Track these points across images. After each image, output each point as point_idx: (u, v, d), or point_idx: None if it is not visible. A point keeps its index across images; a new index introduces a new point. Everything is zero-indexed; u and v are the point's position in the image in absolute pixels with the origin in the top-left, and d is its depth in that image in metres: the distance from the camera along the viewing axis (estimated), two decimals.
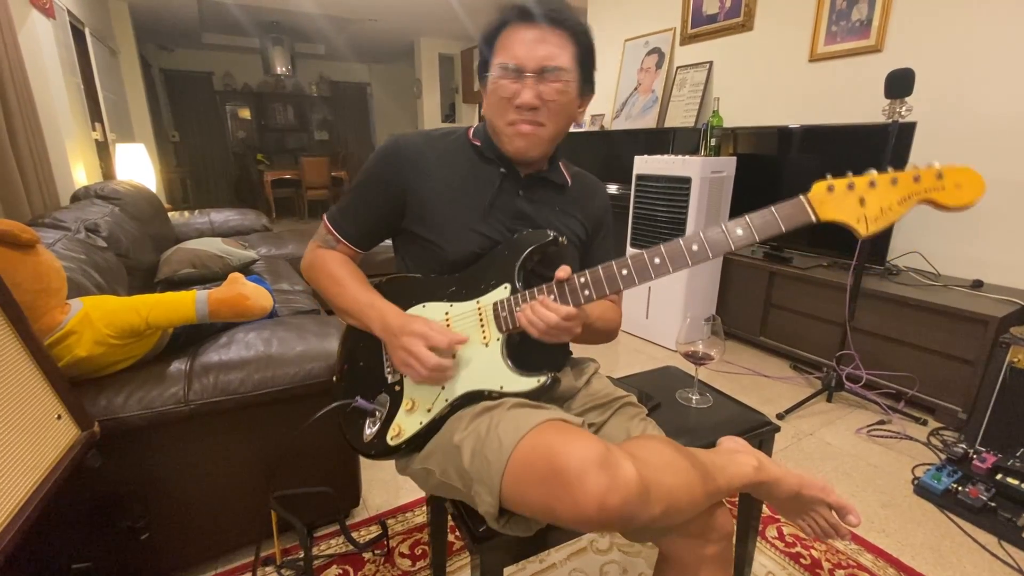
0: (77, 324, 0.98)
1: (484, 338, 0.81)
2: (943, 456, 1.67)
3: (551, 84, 0.80)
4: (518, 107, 0.80)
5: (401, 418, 0.83)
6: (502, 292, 0.82)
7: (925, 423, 1.90)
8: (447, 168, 0.89)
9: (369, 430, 0.85)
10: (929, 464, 1.63)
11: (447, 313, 0.85)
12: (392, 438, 0.82)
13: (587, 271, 0.77)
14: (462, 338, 0.80)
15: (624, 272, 0.75)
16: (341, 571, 1.23)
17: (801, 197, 0.68)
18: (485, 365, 0.80)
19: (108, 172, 3.63)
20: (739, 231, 0.70)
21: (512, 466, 0.65)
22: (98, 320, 1.00)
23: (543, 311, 0.74)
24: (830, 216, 0.67)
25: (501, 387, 0.78)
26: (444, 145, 0.91)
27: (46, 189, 2.10)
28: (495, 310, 0.81)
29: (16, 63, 1.99)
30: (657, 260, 0.73)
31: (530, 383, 0.77)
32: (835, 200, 0.67)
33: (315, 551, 1.28)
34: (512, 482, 0.65)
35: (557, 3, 0.80)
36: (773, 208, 0.69)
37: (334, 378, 0.96)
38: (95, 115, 3.61)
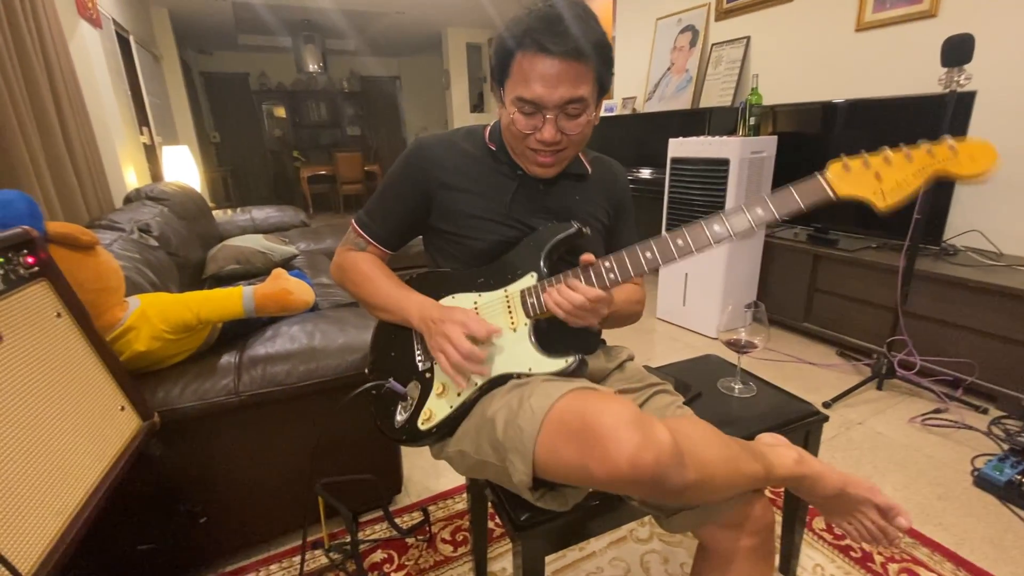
0: (135, 320, 1.03)
1: (512, 324, 0.83)
2: (1005, 446, 1.58)
3: (574, 120, 0.80)
4: (538, 140, 0.81)
5: (432, 402, 0.85)
6: (528, 280, 0.84)
7: (985, 411, 1.79)
8: (468, 165, 0.91)
9: (400, 416, 0.87)
10: (990, 455, 1.55)
11: (475, 303, 0.87)
12: (423, 422, 0.84)
13: (611, 255, 0.79)
14: (497, 329, 0.81)
15: (648, 255, 0.77)
16: (386, 555, 1.27)
17: (818, 175, 0.71)
18: (513, 349, 0.82)
19: (156, 174, 3.80)
20: (759, 210, 0.72)
21: (546, 426, 0.66)
22: (154, 316, 1.05)
23: (568, 292, 0.76)
24: (848, 192, 0.70)
25: (530, 369, 0.79)
26: (464, 145, 0.93)
27: (101, 192, 2.22)
28: (522, 297, 0.83)
29: (68, 72, 2.10)
30: (680, 241, 0.75)
31: (558, 364, 0.78)
32: (852, 177, 0.70)
33: (360, 536, 1.33)
34: (546, 443, 0.66)
35: (578, 31, 0.75)
36: (791, 186, 0.71)
37: (366, 370, 0.98)
38: (142, 119, 3.77)
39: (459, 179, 0.91)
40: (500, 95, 0.85)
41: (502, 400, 0.75)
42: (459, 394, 0.83)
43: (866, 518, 0.79)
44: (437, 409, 0.84)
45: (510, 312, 0.84)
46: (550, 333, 0.83)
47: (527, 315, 0.82)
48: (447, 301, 0.89)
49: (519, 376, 0.79)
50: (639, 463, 0.59)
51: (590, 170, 0.98)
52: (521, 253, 0.87)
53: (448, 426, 0.83)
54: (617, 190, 1.01)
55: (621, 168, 1.05)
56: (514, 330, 0.83)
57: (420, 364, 0.89)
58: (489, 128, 0.95)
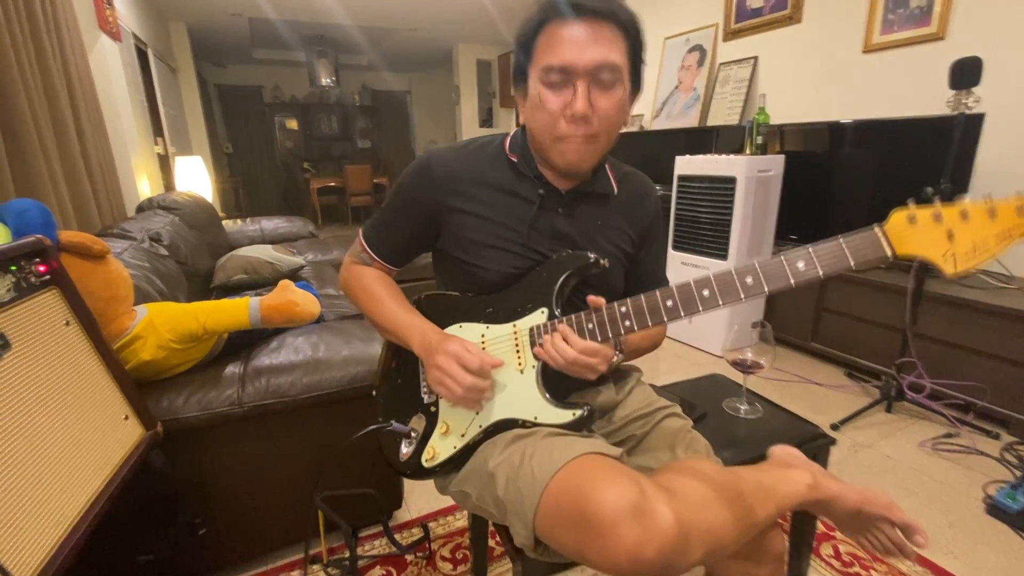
0: (142, 329, 1.04)
1: (519, 364, 0.79)
2: (1019, 473, 1.55)
3: (607, 92, 0.72)
4: (570, 118, 0.73)
5: (436, 441, 0.84)
6: (539, 317, 0.79)
7: (998, 437, 1.76)
8: (482, 187, 0.84)
9: (405, 449, 0.86)
10: (1003, 481, 1.51)
11: (483, 335, 0.83)
12: (427, 460, 0.83)
13: (629, 300, 0.72)
14: (496, 361, 0.77)
15: (669, 303, 0.70)
16: (385, 572, 1.26)
17: (876, 228, 0.60)
18: (520, 393, 0.78)
19: (169, 183, 3.85)
20: (800, 264, 0.63)
21: (544, 504, 0.64)
22: (161, 325, 1.06)
23: (561, 344, 0.72)
24: (910, 251, 0.59)
25: (535, 417, 0.76)
26: (479, 162, 0.85)
27: (114, 201, 2.25)
28: (531, 336, 0.79)
29: (87, 84, 2.14)
30: (706, 292, 0.68)
31: (565, 416, 0.75)
32: (917, 233, 0.58)
33: (360, 551, 1.31)
34: (544, 521, 0.64)
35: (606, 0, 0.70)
36: (842, 239, 0.61)
37: (373, 392, 0.96)
38: (157, 130, 3.84)
39: (472, 204, 0.83)
40: (524, 88, 0.78)
41: (504, 453, 0.73)
42: (463, 435, 0.81)
43: (882, 534, 0.77)
44: (441, 449, 0.83)
45: (518, 351, 0.80)
46: (559, 374, 0.77)
47: (536, 356, 0.78)
48: (453, 330, 0.85)
49: (524, 423, 0.77)
50: (641, 559, 0.56)
51: (616, 189, 0.88)
52: (532, 285, 0.81)
53: (452, 464, 0.82)
54: (645, 213, 0.92)
55: (652, 187, 0.95)
56: (521, 371, 0.79)
57: (425, 397, 0.87)
58: (510, 137, 0.87)
